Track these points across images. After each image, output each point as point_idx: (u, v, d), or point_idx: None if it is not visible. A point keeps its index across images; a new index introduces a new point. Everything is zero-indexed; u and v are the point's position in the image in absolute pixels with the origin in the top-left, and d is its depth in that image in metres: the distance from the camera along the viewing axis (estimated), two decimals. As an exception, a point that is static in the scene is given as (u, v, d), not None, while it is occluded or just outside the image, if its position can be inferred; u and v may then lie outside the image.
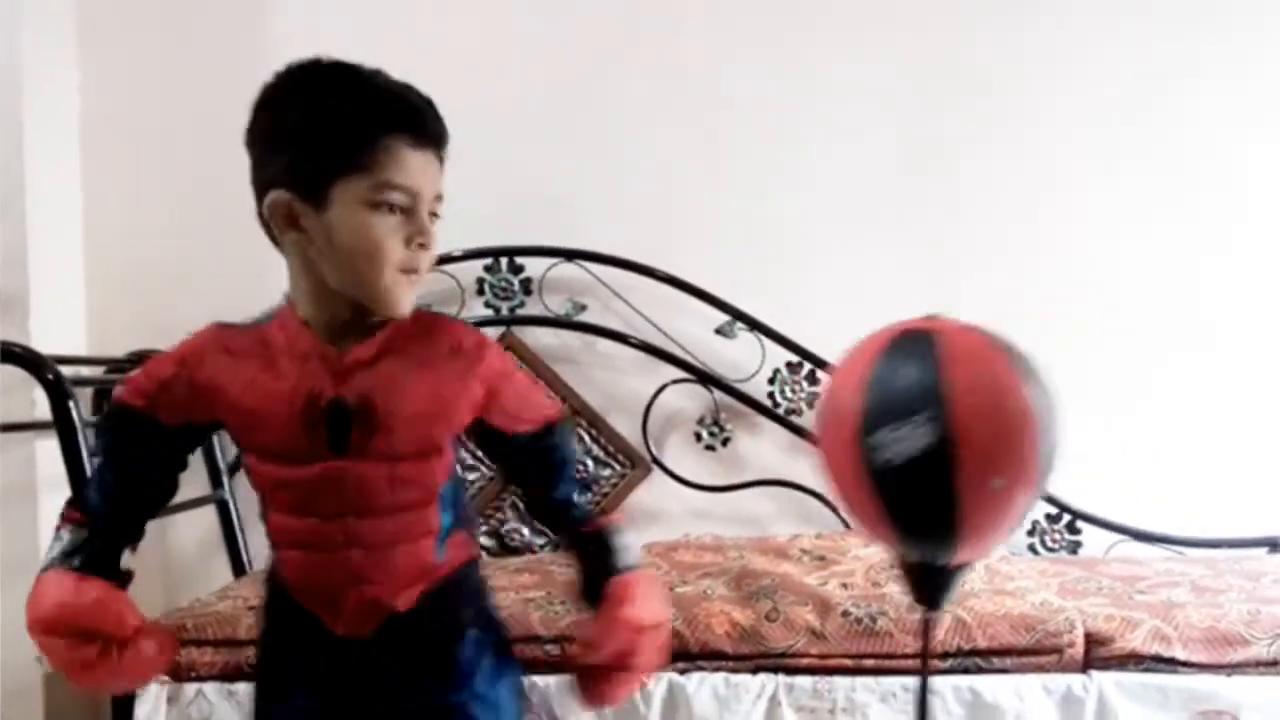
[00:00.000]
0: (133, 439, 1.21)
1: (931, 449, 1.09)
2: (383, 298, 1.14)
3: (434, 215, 1.16)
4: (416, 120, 1.14)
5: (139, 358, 2.51)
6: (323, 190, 1.11)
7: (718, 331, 2.56)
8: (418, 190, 1.13)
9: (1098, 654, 1.88)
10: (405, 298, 1.15)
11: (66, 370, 2.05)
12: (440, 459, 1.20)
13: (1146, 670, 1.86)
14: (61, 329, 2.43)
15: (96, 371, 2.51)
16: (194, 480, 2.50)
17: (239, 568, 2.46)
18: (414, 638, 1.20)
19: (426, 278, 1.17)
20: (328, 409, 1.14)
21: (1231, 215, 2.61)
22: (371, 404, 1.14)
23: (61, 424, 1.95)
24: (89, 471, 1.93)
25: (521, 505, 2.53)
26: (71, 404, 1.96)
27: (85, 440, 1.96)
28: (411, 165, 1.13)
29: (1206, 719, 1.82)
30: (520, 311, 2.60)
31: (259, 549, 2.51)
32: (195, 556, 2.59)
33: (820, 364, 2.57)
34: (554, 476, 1.30)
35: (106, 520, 1.21)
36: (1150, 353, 2.59)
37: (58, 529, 1.21)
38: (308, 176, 1.12)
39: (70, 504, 1.24)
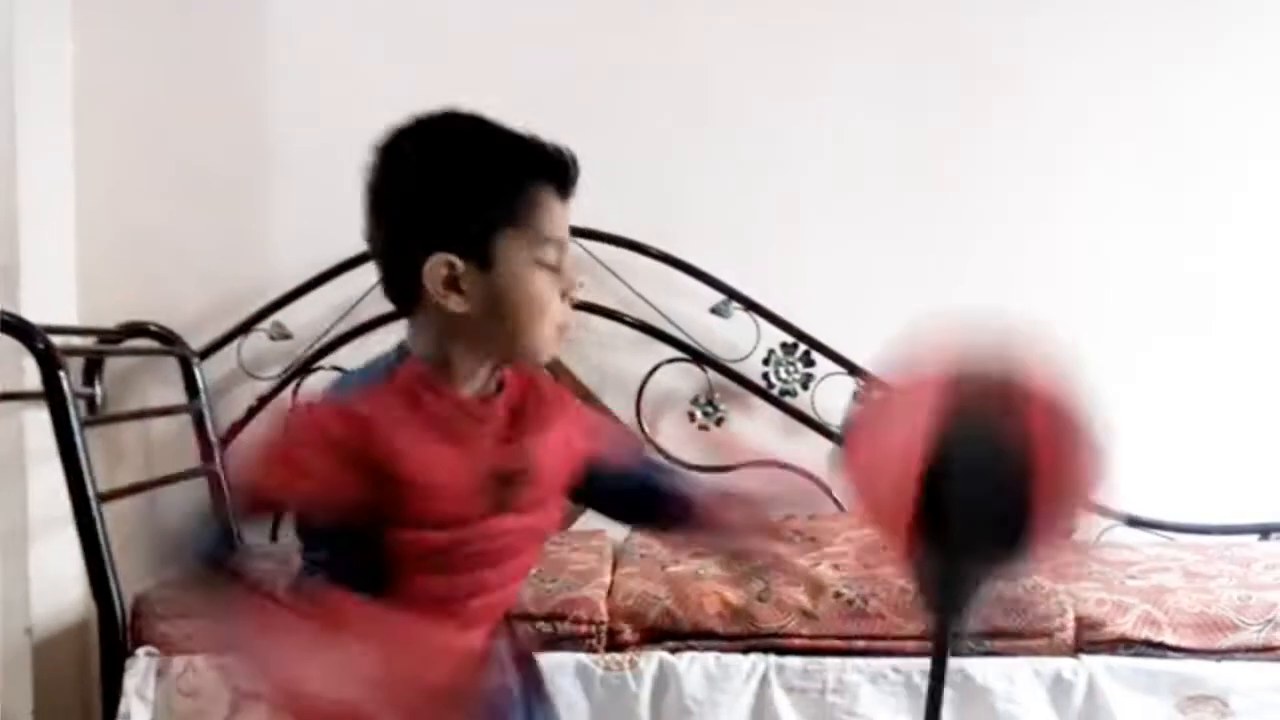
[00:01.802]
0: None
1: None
2: (538, 353, 1.13)
3: None
4: (563, 170, 1.12)
5: (130, 329, 2.50)
6: (486, 249, 1.08)
7: (713, 311, 2.55)
8: (565, 243, 1.12)
9: (1088, 638, 1.89)
10: (554, 351, 1.14)
11: (57, 340, 2.04)
12: (561, 505, 1.22)
13: (1136, 654, 1.87)
14: (53, 299, 2.41)
15: (88, 341, 2.50)
16: (185, 453, 2.50)
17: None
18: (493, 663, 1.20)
19: None
20: (501, 474, 1.12)
21: (1226, 200, 2.61)
22: (530, 464, 1.13)
23: (52, 394, 1.94)
24: (78, 443, 1.92)
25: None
26: (62, 374, 1.95)
27: (75, 410, 1.95)
28: (559, 217, 1.11)
29: (1195, 704, 1.83)
30: (514, 288, 2.58)
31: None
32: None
33: (815, 345, 2.56)
34: (671, 485, 1.29)
35: None
36: (1143, 337, 2.59)
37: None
38: (469, 236, 1.08)
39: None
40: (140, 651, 1.88)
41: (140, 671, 1.85)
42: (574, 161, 1.12)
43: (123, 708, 1.83)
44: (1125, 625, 1.88)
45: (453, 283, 1.08)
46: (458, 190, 1.08)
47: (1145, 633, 1.87)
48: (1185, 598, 1.93)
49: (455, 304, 1.08)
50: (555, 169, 1.11)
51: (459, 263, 1.07)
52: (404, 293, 1.12)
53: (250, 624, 1.01)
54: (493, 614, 1.19)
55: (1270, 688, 1.83)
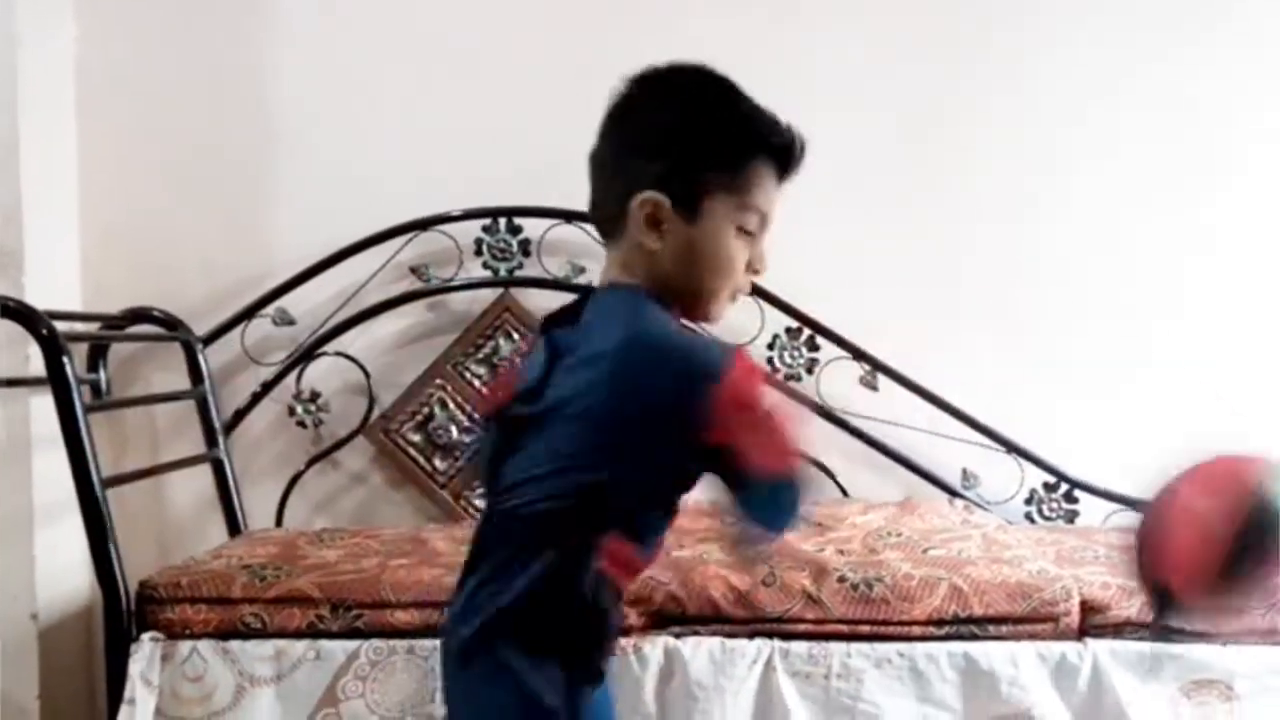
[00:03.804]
0: None
1: None
2: (712, 310, 1.19)
3: None
4: (792, 153, 1.18)
5: (134, 314, 2.50)
6: (697, 202, 1.14)
7: (716, 296, 2.55)
8: (769, 218, 1.18)
9: (1093, 622, 1.88)
10: (724, 314, 1.20)
11: (61, 326, 2.04)
12: None
13: (1141, 638, 1.86)
14: (56, 285, 2.41)
15: (91, 327, 2.50)
16: (189, 438, 2.50)
17: (234, 527, 2.46)
18: None
19: None
20: None
21: (1230, 188, 2.61)
22: None
23: (56, 380, 1.94)
24: (83, 428, 1.93)
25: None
26: (66, 360, 1.95)
27: (79, 396, 1.95)
28: (771, 193, 1.18)
29: (1200, 688, 1.83)
30: (519, 273, 2.58)
31: (253, 509, 2.51)
32: (190, 515, 2.58)
33: (819, 329, 2.56)
34: None
35: None
36: (1148, 322, 2.59)
37: None
38: (686, 185, 1.13)
39: None
40: (145, 637, 1.87)
41: (145, 656, 1.85)
42: (803, 149, 1.18)
43: (128, 692, 1.83)
44: (1130, 609, 1.87)
45: (655, 222, 1.14)
46: (689, 143, 1.15)
47: (1150, 616, 1.86)
48: (1190, 582, 1.93)
49: (651, 241, 1.14)
50: (784, 152, 1.17)
51: (666, 206, 1.13)
52: (610, 217, 1.17)
53: None
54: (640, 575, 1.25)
55: (1275, 671, 1.83)
